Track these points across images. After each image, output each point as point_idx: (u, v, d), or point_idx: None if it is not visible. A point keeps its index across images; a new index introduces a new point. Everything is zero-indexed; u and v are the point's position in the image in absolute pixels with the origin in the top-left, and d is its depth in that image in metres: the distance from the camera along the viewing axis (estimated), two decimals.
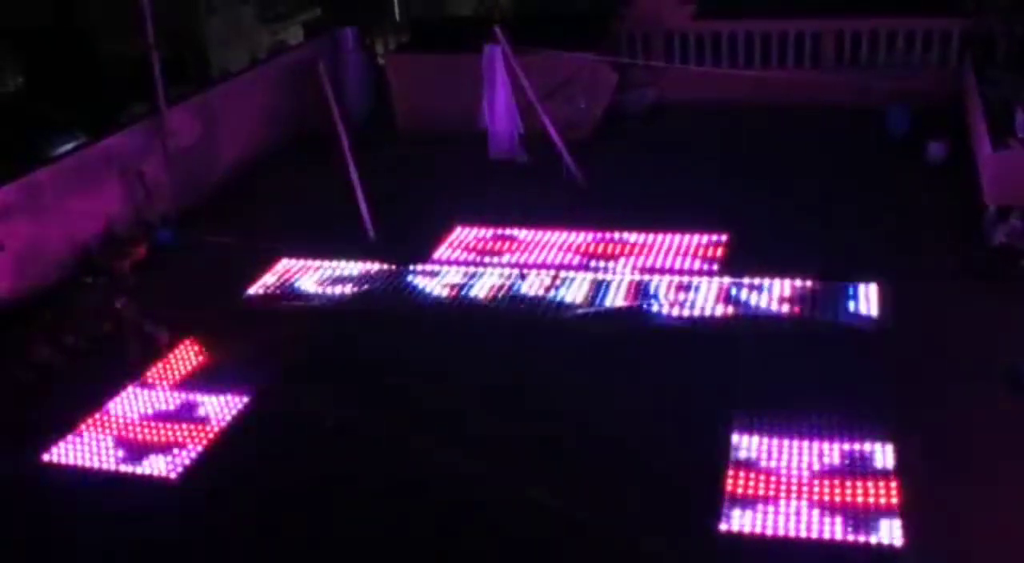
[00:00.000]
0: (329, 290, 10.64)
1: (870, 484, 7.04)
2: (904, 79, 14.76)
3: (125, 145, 12.32)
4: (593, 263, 10.89)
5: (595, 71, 14.93)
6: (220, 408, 8.55)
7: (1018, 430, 7.67)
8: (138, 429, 8.34)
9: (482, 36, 13.41)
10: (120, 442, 8.19)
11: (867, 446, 7.42)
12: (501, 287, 10.44)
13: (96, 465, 7.96)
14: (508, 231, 11.71)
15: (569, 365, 8.99)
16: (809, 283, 9.91)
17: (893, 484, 7.02)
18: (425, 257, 11.23)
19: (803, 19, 16.12)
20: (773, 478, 7.19)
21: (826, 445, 7.48)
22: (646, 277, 10.43)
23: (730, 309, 9.70)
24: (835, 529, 6.70)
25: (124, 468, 7.91)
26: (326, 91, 12.54)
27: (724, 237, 11.13)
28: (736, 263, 10.57)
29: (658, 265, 10.74)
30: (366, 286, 10.67)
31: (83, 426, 8.38)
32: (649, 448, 7.72)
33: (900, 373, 8.43)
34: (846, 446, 7.45)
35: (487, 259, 11.14)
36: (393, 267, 10.97)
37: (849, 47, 15.98)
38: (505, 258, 11.13)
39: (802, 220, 11.54)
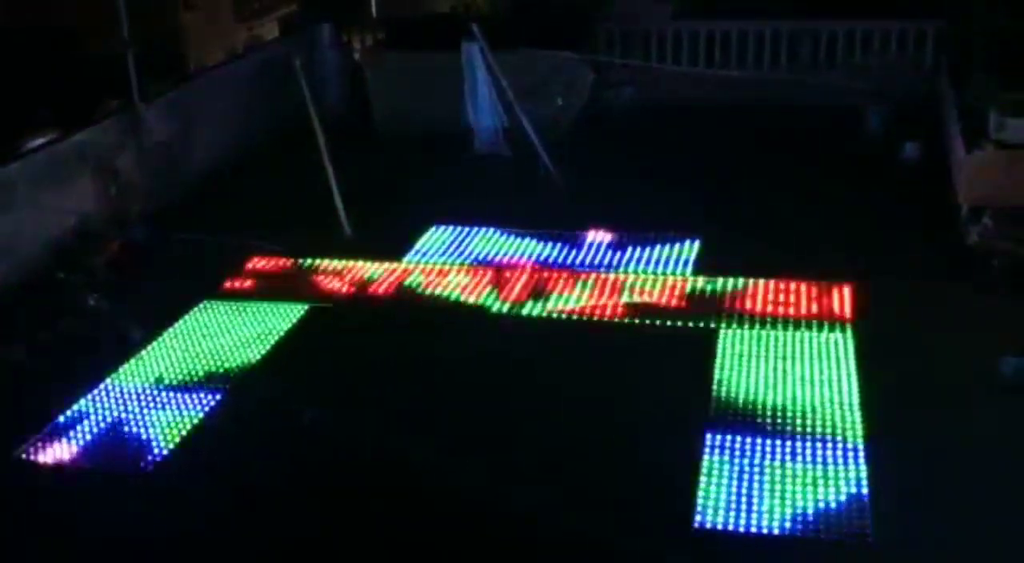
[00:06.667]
0: (305, 286, 10.60)
1: (843, 481, 7.08)
2: (880, 80, 14.87)
3: (99, 140, 12.21)
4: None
5: (573, 70, 14.95)
6: (195, 403, 8.50)
7: (992, 427, 7.73)
8: (112, 425, 8.27)
9: (459, 33, 13.41)
10: (94, 438, 8.11)
11: (841, 443, 7.47)
12: (479, 284, 10.45)
13: (70, 462, 7.87)
14: (484, 229, 11.72)
15: (545, 361, 9.00)
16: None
17: (866, 481, 7.05)
18: (401, 254, 11.24)
19: (780, 20, 16.24)
20: (747, 475, 7.21)
21: (799, 442, 7.52)
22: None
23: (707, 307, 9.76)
24: (809, 526, 6.72)
25: (98, 465, 7.83)
26: (302, 87, 12.50)
27: (698, 237, 11.18)
28: (709, 262, 10.63)
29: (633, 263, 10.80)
30: (343, 283, 10.65)
31: (57, 423, 8.30)
32: (622, 445, 7.72)
33: (873, 371, 8.47)
34: (819, 444, 7.49)
35: (464, 257, 11.15)
36: (369, 264, 10.97)
37: (825, 48, 16.10)
38: (481, 256, 11.13)
39: (777, 218, 11.63)
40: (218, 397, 8.59)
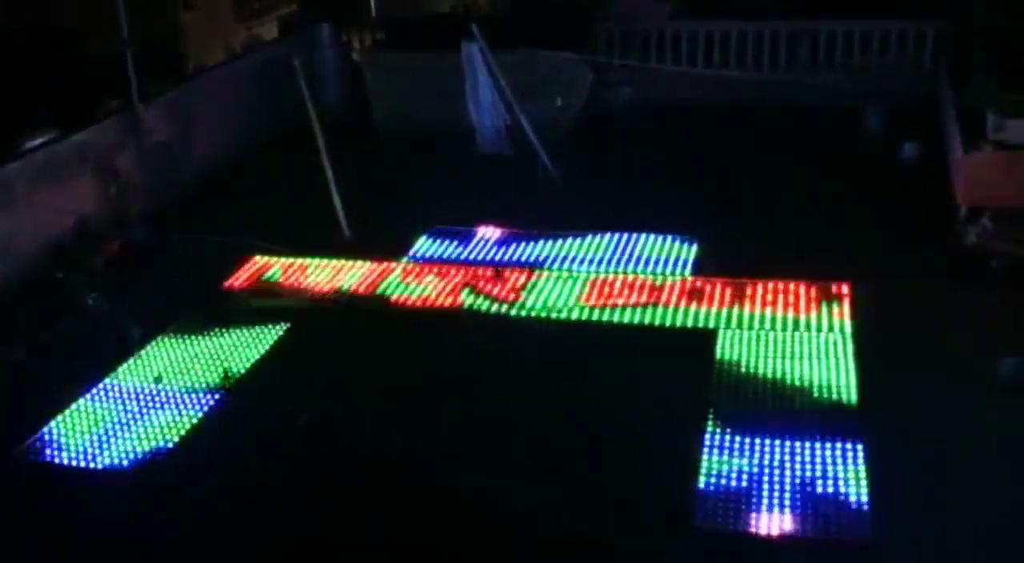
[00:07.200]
0: (305, 287, 10.61)
1: (843, 482, 7.09)
2: (879, 80, 14.87)
3: (99, 140, 12.21)
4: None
5: (573, 70, 14.95)
6: (193, 404, 8.51)
7: (992, 427, 7.74)
8: (110, 426, 8.27)
9: (459, 33, 13.42)
10: (91, 439, 8.11)
11: (839, 444, 7.47)
12: (478, 284, 10.45)
13: (67, 462, 7.88)
14: (483, 229, 11.71)
15: (545, 361, 8.99)
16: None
17: (866, 481, 7.06)
18: (400, 254, 11.23)
19: (779, 20, 16.24)
20: (747, 475, 7.22)
21: (798, 443, 7.52)
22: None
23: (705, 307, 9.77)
24: (808, 526, 6.73)
25: (95, 465, 7.84)
26: (302, 87, 12.50)
27: (696, 238, 11.18)
28: (708, 263, 10.64)
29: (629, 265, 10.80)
30: (342, 284, 10.66)
31: (54, 423, 8.30)
32: (622, 445, 7.73)
33: (872, 372, 8.48)
34: (819, 444, 7.49)
35: (463, 257, 11.16)
36: (370, 265, 10.97)
37: (824, 48, 16.10)
38: (481, 257, 11.13)
39: (777, 218, 11.63)
40: (218, 397, 8.60)
